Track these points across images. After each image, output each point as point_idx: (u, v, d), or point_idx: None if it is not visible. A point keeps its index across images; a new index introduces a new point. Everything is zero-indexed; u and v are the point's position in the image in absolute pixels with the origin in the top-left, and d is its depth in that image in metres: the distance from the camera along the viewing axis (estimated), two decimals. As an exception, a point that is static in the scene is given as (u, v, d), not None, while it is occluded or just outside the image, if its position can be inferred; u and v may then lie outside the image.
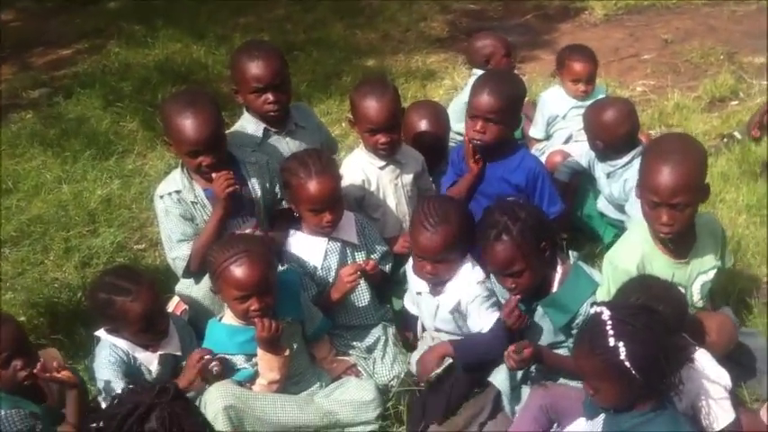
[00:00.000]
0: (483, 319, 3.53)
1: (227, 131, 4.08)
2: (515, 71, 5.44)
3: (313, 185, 3.68)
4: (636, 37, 7.75)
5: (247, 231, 3.62)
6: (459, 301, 3.57)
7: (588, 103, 4.74)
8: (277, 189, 4.00)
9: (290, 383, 3.52)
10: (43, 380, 3.20)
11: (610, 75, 6.74)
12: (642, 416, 2.73)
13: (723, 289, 3.80)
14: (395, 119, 4.01)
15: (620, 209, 4.35)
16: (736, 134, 5.47)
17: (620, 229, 4.37)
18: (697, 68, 6.91)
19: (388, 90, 4.03)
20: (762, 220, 4.61)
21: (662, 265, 3.35)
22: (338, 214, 3.79)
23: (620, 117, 4.29)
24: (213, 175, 3.67)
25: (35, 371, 3.12)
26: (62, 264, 4.67)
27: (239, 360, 3.47)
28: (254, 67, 3.97)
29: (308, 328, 3.69)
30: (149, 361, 3.47)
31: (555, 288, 3.45)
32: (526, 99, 4.37)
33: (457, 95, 5.58)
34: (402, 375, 3.71)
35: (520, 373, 3.43)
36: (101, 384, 3.33)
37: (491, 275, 3.61)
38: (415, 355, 3.79)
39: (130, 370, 3.40)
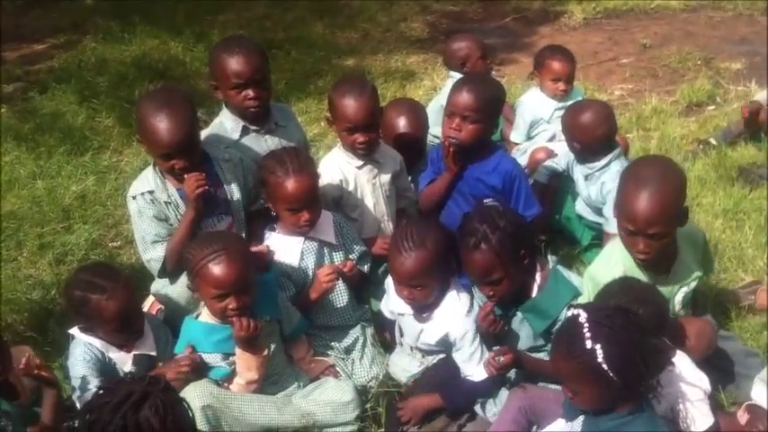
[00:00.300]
0: (472, 368, 3.47)
1: (204, 129, 4.05)
2: (492, 73, 5.44)
3: (291, 184, 3.65)
4: (614, 41, 7.81)
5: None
6: (448, 334, 3.51)
7: (570, 103, 4.75)
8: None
9: (267, 383, 3.50)
10: (19, 377, 3.14)
11: (588, 78, 6.78)
12: (621, 418, 2.73)
13: (701, 294, 3.81)
14: (373, 118, 3.98)
15: (598, 211, 4.36)
16: (712, 140, 5.51)
17: (597, 231, 4.39)
18: (675, 73, 6.97)
19: (367, 89, 4.00)
20: (738, 225, 4.64)
21: (643, 282, 3.34)
22: (316, 213, 3.75)
23: (597, 119, 4.29)
24: (185, 175, 3.63)
25: (21, 366, 3.05)
26: (36, 260, 4.62)
27: (216, 359, 3.44)
28: (235, 63, 3.92)
29: (285, 327, 3.67)
30: (123, 361, 3.42)
31: (534, 293, 3.44)
32: (505, 102, 4.36)
33: (434, 98, 5.57)
34: (380, 376, 3.71)
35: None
36: (75, 382, 3.28)
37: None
38: (394, 357, 3.78)
39: (105, 368, 3.35)
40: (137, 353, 3.44)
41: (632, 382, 2.69)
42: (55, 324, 3.99)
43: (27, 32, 8.24)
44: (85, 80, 6.82)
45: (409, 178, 4.39)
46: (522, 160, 4.83)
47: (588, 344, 2.65)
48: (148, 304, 3.90)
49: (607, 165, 4.27)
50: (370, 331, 3.93)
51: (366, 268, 4.04)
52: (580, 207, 4.53)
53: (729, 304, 4.00)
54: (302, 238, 3.82)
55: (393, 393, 3.63)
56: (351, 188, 4.08)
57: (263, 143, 4.12)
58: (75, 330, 3.40)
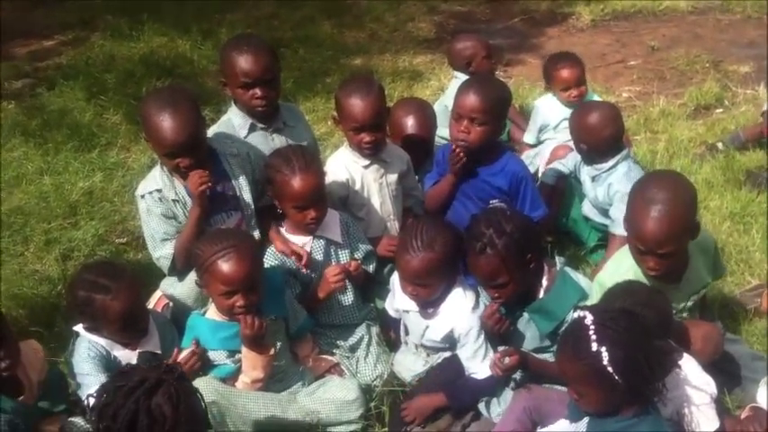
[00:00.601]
0: (477, 366, 3.47)
1: (212, 126, 4.05)
2: (497, 74, 5.42)
3: (297, 182, 3.65)
4: (622, 43, 7.78)
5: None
6: (453, 329, 3.51)
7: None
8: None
9: (272, 381, 3.50)
10: (26, 372, 3.15)
11: (596, 80, 6.75)
12: (626, 421, 2.72)
13: (708, 297, 3.80)
14: (380, 117, 3.98)
15: (605, 213, 4.35)
16: (719, 145, 5.49)
17: (603, 233, 4.38)
18: (682, 76, 6.95)
19: (374, 89, 4.00)
20: (746, 228, 4.63)
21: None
22: (322, 211, 3.76)
23: (604, 120, 4.28)
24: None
25: None
26: (42, 256, 4.62)
27: (221, 356, 3.45)
28: (244, 62, 3.92)
29: (291, 325, 3.67)
30: (128, 359, 3.40)
31: (541, 294, 3.43)
32: (512, 104, 4.35)
33: (439, 99, 5.57)
34: (385, 375, 3.70)
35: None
36: (80, 379, 3.28)
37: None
38: (399, 356, 3.78)
39: (110, 366, 3.35)
40: (141, 351, 3.43)
41: (637, 385, 2.68)
42: (61, 319, 3.99)
43: (35, 29, 8.24)
44: (93, 77, 6.83)
45: (417, 178, 4.38)
46: (532, 162, 4.84)
47: (594, 346, 2.64)
48: (155, 300, 3.90)
49: (614, 166, 4.26)
50: (375, 330, 3.93)
51: (371, 268, 4.03)
52: (587, 208, 4.52)
53: (736, 308, 3.99)
54: (310, 237, 3.82)
55: (397, 392, 3.63)
56: (357, 187, 4.08)
57: (269, 141, 4.12)
58: (79, 327, 3.40)
